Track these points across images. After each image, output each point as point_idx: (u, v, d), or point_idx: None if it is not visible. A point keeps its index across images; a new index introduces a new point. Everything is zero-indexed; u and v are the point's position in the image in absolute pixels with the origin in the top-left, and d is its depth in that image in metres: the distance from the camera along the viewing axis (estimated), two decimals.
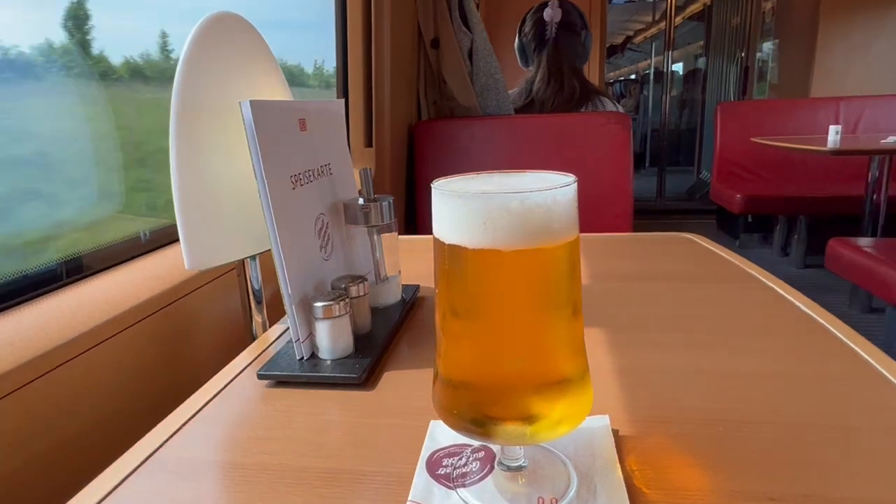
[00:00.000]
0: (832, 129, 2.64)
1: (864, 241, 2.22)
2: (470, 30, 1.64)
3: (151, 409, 0.61)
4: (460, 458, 0.39)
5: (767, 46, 4.60)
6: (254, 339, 0.66)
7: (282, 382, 0.51)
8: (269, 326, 0.67)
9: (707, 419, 0.43)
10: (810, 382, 0.48)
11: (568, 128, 1.58)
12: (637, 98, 8.05)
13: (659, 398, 0.46)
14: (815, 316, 0.61)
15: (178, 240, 0.57)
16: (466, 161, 1.60)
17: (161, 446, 0.42)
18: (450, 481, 0.37)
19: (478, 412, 0.33)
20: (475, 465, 0.38)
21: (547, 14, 1.68)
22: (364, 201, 0.63)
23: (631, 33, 8.78)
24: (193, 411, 0.47)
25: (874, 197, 2.59)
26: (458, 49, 1.62)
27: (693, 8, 6.93)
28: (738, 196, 3.21)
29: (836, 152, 2.49)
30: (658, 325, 0.62)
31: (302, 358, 0.53)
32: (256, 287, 0.65)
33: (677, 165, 6.34)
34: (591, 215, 1.23)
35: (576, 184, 0.31)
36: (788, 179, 3.47)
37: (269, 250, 0.53)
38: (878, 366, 0.49)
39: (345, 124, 0.70)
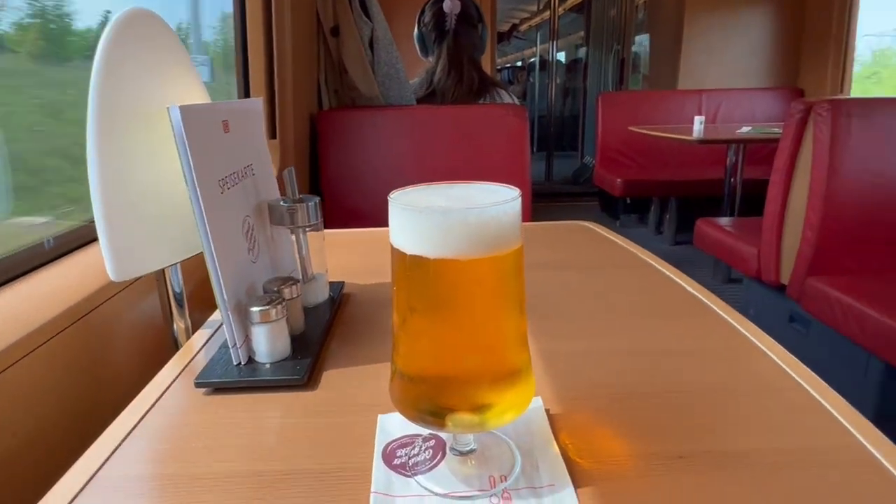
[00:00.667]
0: (697, 119, 2.93)
1: (724, 221, 2.51)
2: (370, 19, 1.64)
3: (76, 428, 0.58)
4: (413, 448, 0.42)
5: (641, 40, 4.97)
6: (177, 345, 0.65)
7: (220, 389, 0.51)
8: (192, 332, 0.66)
9: (622, 394, 0.49)
10: (702, 355, 0.56)
11: (469, 118, 1.64)
12: (524, 85, 8.37)
13: (579, 379, 0.52)
14: (701, 297, 0.70)
15: (86, 244, 0.55)
16: (371, 150, 1.61)
17: (104, 465, 0.41)
18: (406, 470, 0.40)
19: (435, 404, 0.37)
20: (428, 453, 0.42)
21: (447, 6, 1.71)
22: (290, 202, 0.63)
23: (517, 21, 9.08)
24: (130, 426, 0.46)
25: (731, 180, 2.92)
26: (359, 38, 1.61)
27: (572, 0, 7.30)
28: (619, 181, 3.48)
29: (700, 141, 2.78)
30: (568, 311, 0.68)
31: (239, 363, 0.53)
32: (178, 291, 0.63)
33: (563, 150, 6.71)
34: None
35: (521, 197, 0.34)
36: (661, 165, 3.81)
37: (193, 255, 0.52)
38: (753, 338, 0.59)
39: (263, 123, 0.69)
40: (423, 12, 1.80)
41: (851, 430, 0.43)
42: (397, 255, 0.34)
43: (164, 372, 0.55)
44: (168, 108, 0.46)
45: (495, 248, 0.33)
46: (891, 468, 0.39)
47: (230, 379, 0.50)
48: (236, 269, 0.54)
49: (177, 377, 0.54)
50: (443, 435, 0.43)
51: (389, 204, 0.34)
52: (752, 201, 2.96)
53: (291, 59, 1.36)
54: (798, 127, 1.77)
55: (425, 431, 0.44)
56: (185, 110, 0.47)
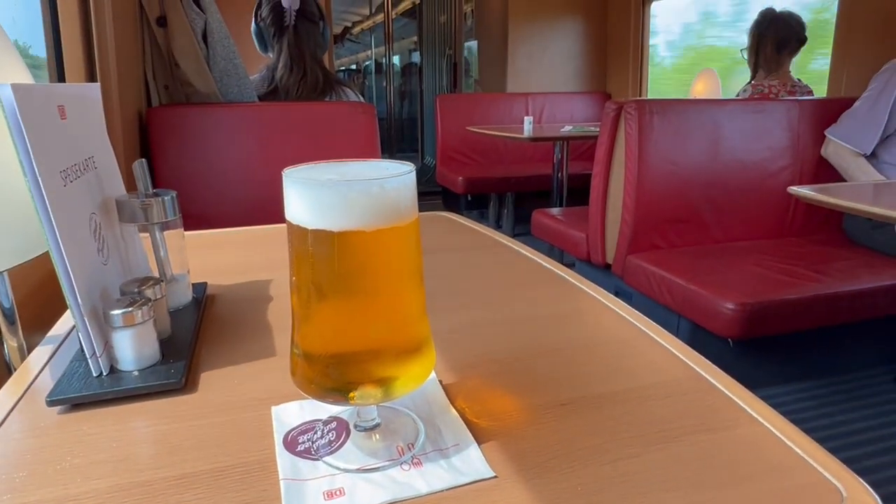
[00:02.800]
0: (526, 119, 3.18)
1: (556, 211, 2.76)
2: (202, 10, 1.53)
3: None
4: (315, 433, 0.42)
5: (470, 45, 5.25)
6: (9, 367, 0.56)
7: (79, 405, 0.46)
8: (27, 350, 0.57)
9: (505, 358, 0.53)
10: (565, 317, 0.62)
11: (316, 116, 1.61)
12: (361, 87, 8.39)
13: (464, 349, 0.55)
14: (555, 270, 0.78)
15: None
16: (212, 149, 1.51)
17: None
18: (312, 454, 0.39)
19: (340, 381, 0.37)
20: (332, 435, 0.41)
21: (285, 1, 1.66)
22: (143, 197, 0.58)
23: (349, 24, 9.06)
24: None
25: (559, 175, 3.22)
26: (191, 30, 1.50)
27: (404, 5, 7.48)
28: (460, 179, 3.65)
29: (531, 139, 3.02)
30: (444, 290, 0.71)
31: (101, 374, 0.47)
32: (7, 306, 0.54)
33: (403, 152, 6.84)
34: None
35: (414, 172, 0.36)
36: (496, 162, 4.06)
37: (23, 262, 0.45)
38: (603, 300, 0.66)
39: (102, 112, 0.62)
40: (259, 6, 1.73)
41: (692, 365, 0.51)
42: (297, 231, 0.34)
43: (1, 395, 0.47)
44: None
45: (397, 219, 0.34)
46: (726, 391, 0.47)
47: (93, 391, 0.45)
48: (88, 271, 0.48)
49: (19, 400, 0.47)
50: (344, 415, 0.43)
51: (285, 180, 0.34)
52: (577, 192, 3.29)
53: (114, 50, 1.22)
54: (612, 124, 2.01)
55: (324, 416, 0.43)
56: (18, 89, 0.41)
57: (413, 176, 0.35)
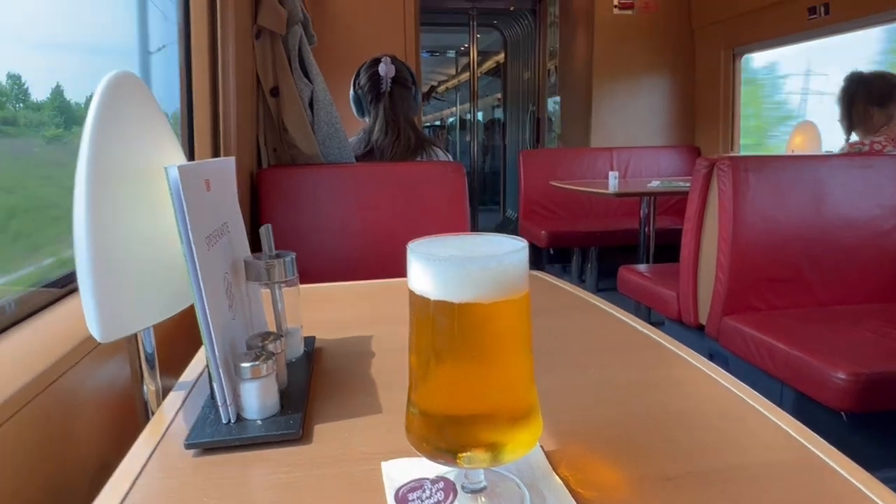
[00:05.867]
0: (611, 174, 3.16)
1: (643, 268, 2.69)
2: (310, 80, 1.68)
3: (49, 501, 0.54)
4: (424, 491, 0.43)
5: (553, 101, 5.34)
6: (147, 409, 0.62)
7: (209, 450, 0.50)
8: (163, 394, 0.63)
9: (603, 424, 0.53)
10: (665, 384, 0.61)
11: (409, 175, 1.69)
12: (444, 143, 8.71)
13: (562, 413, 0.55)
14: (649, 333, 0.77)
15: (46, 306, 0.53)
16: (314, 207, 1.62)
17: None
18: None
19: (452, 442, 0.39)
20: (440, 495, 0.43)
21: (382, 69, 1.79)
22: (267, 258, 0.64)
23: (435, 83, 9.51)
24: (120, 498, 0.44)
25: (646, 230, 3.15)
26: (300, 99, 1.64)
27: (488, 65, 7.78)
28: (544, 232, 3.65)
29: (617, 195, 3.00)
30: (537, 352, 0.72)
31: (229, 421, 0.52)
32: (150, 352, 0.61)
33: (485, 204, 6.96)
34: None
35: (527, 247, 0.38)
36: (580, 216, 4.04)
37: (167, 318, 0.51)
38: (702, 367, 0.65)
39: (235, 182, 0.70)
40: (358, 75, 1.87)
41: (805, 443, 0.49)
42: (420, 300, 0.37)
43: (142, 438, 0.53)
44: (165, 167, 0.47)
45: (512, 292, 0.36)
46: (844, 473, 0.45)
47: (224, 437, 0.50)
48: (221, 326, 0.54)
49: (159, 441, 0.52)
50: (451, 476, 0.44)
51: (410, 254, 0.37)
52: (664, 248, 3.20)
53: (235, 118, 1.37)
54: (704, 181, 1.96)
55: (431, 474, 0.45)
56: (182, 170, 0.48)
57: (526, 252, 0.38)
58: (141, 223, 0.54)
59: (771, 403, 0.56)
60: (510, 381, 0.38)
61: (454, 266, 0.35)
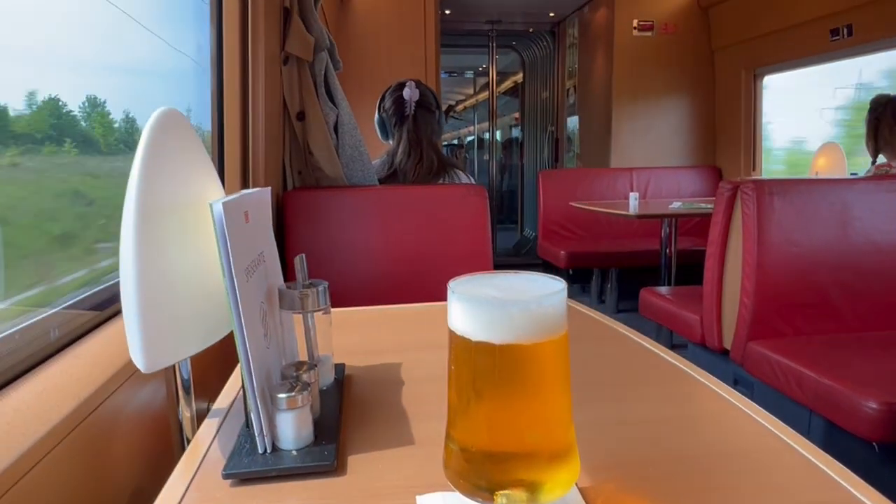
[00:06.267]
0: (632, 195, 3.15)
1: (665, 290, 2.67)
2: (336, 105, 1.72)
3: None
4: None
5: (572, 121, 5.36)
6: (182, 435, 0.63)
7: (246, 480, 0.51)
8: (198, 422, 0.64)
9: (638, 463, 0.53)
10: (696, 420, 0.61)
11: (432, 198, 1.71)
12: (462, 162, 8.76)
13: (595, 450, 0.55)
14: (680, 365, 0.76)
15: (87, 332, 0.54)
16: (338, 229, 1.64)
17: None
18: None
19: (490, 480, 0.39)
20: None
21: (406, 93, 1.82)
22: (300, 287, 0.65)
23: (453, 102, 9.60)
24: None
25: (667, 251, 3.13)
26: (325, 123, 1.67)
27: (506, 84, 7.84)
28: (563, 253, 3.64)
29: (638, 216, 2.99)
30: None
31: (265, 451, 0.53)
32: (186, 379, 0.63)
33: (502, 224, 6.97)
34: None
35: (566, 288, 0.39)
36: (600, 237, 4.02)
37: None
38: (737, 403, 0.64)
39: (271, 212, 0.71)
40: (383, 98, 1.91)
41: (845, 485, 0.48)
42: (461, 341, 0.38)
43: (180, 467, 0.54)
44: (210, 203, 0.49)
45: (551, 333, 0.37)
46: None
47: (260, 468, 0.50)
48: (258, 355, 0.55)
49: (197, 470, 0.53)
50: None
51: (450, 295, 0.38)
52: (685, 270, 3.17)
53: (264, 142, 1.40)
54: (728, 204, 1.95)
55: None
56: (226, 205, 0.50)
57: (565, 293, 0.38)
58: (184, 256, 0.55)
59: (808, 441, 0.56)
60: (549, 420, 0.38)
61: (496, 308, 0.36)
